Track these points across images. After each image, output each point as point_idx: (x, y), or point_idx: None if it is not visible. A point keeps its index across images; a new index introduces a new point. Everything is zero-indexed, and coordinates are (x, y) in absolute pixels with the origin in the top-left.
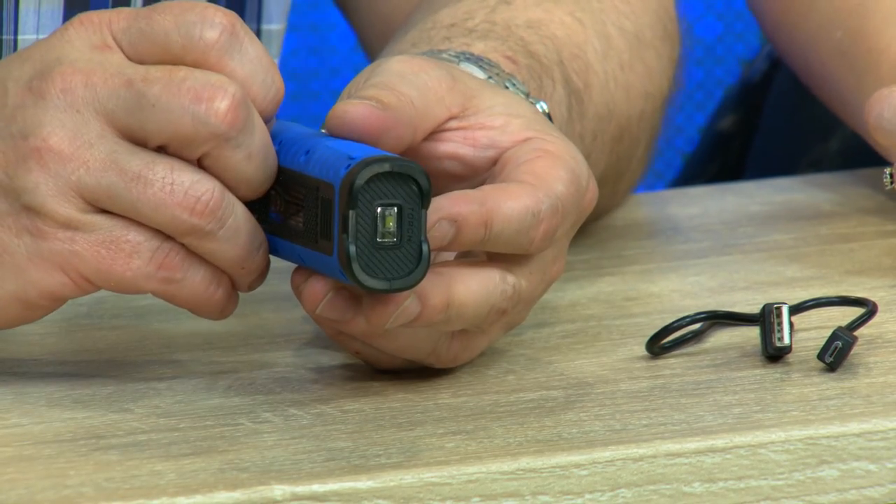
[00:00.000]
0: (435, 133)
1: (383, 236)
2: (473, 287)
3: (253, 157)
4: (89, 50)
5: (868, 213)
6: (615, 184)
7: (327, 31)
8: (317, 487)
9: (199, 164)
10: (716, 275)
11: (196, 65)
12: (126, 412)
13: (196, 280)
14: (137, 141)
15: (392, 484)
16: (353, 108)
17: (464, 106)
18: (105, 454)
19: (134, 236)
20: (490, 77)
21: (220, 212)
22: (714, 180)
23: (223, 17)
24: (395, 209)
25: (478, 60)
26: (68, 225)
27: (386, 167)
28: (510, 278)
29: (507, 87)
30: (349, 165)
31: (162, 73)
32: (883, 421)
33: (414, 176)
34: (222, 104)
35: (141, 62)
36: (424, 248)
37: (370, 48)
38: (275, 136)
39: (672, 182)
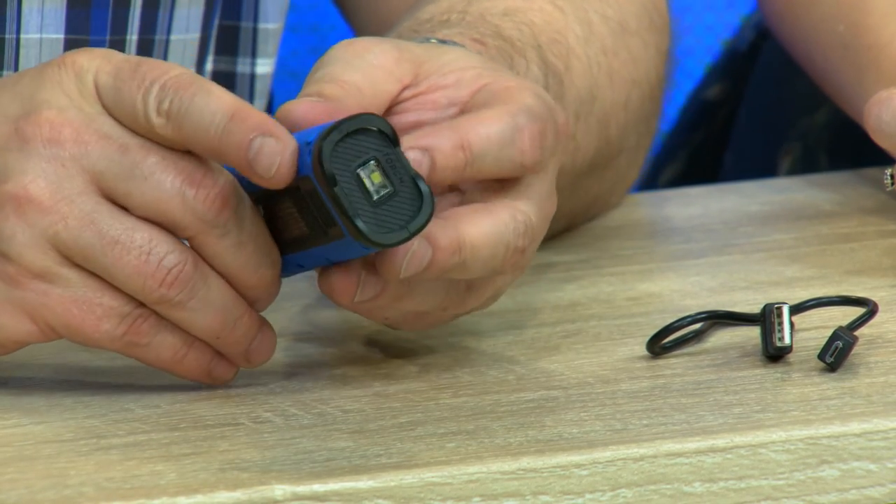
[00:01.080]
0: (393, 107)
1: (377, 192)
2: (485, 228)
3: (243, 245)
4: (78, 97)
5: (869, 213)
6: (604, 171)
7: (327, 31)
8: (317, 487)
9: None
10: (716, 275)
11: (160, 138)
12: (127, 412)
13: (164, 345)
14: (119, 204)
15: (392, 484)
16: (296, 106)
17: (415, 73)
18: (106, 454)
19: (107, 301)
20: None
21: (191, 283)
22: (698, 150)
23: (180, 84)
24: (373, 162)
25: (443, 43)
26: (42, 277)
27: (342, 131)
28: (519, 214)
29: None
30: (310, 151)
31: (159, 148)
32: (884, 421)
33: (370, 125)
34: (213, 191)
35: (118, 122)
36: (419, 180)
37: None
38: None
39: (656, 150)
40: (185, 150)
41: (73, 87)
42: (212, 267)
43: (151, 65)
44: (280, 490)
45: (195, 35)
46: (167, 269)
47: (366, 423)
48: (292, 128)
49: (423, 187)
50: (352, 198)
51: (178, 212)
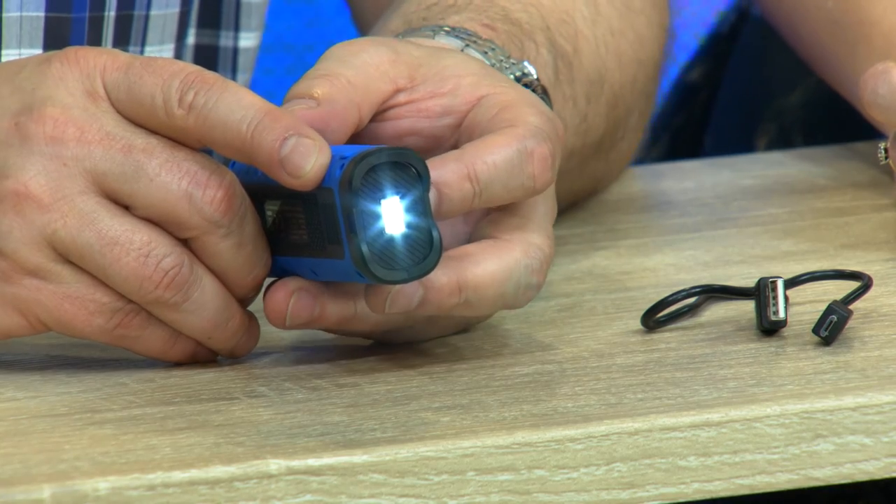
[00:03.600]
0: (386, 111)
1: (391, 227)
2: (492, 267)
3: (243, 246)
4: (82, 96)
5: (862, 188)
6: (610, 152)
7: (323, 3)
8: (312, 461)
9: (186, 244)
10: (710, 249)
11: (177, 131)
12: (121, 386)
13: (154, 337)
14: (121, 204)
15: (387, 458)
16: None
17: (410, 77)
18: (100, 428)
19: (100, 297)
20: (468, 45)
21: (186, 286)
22: (678, 133)
23: (204, 79)
24: (398, 198)
25: (453, 31)
26: (36, 273)
27: (381, 158)
28: (533, 250)
29: (486, 53)
30: (343, 165)
31: (163, 147)
32: (878, 395)
33: (411, 162)
34: (219, 192)
35: (127, 118)
36: (434, 230)
37: (362, 24)
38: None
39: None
40: (190, 151)
41: (78, 85)
42: (209, 267)
43: (165, 61)
44: (275, 464)
45: (175, 10)
46: (164, 272)
47: (360, 398)
48: None
49: (436, 236)
50: (367, 223)
51: (185, 213)
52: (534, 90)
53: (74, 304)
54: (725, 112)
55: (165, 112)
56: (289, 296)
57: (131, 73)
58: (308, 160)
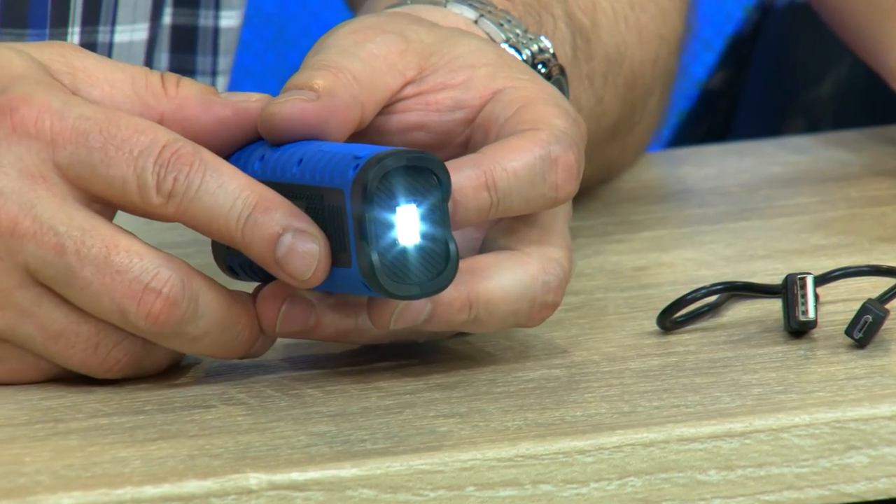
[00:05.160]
0: (393, 104)
1: (405, 238)
2: (506, 282)
3: (199, 339)
4: (18, 178)
5: None
6: (626, 136)
7: None
8: (296, 476)
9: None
10: (733, 242)
11: (154, 216)
12: (87, 393)
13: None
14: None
15: (378, 472)
16: (282, 108)
17: (420, 67)
18: (64, 439)
19: (45, 366)
20: (482, 15)
21: (141, 366)
22: (700, 144)
23: (181, 157)
24: (415, 206)
25: (467, 0)
26: None
27: (400, 162)
28: (552, 266)
29: (501, 25)
30: (357, 165)
31: (98, 251)
32: None
33: (431, 168)
34: (156, 305)
35: (85, 192)
36: (451, 244)
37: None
38: (255, 152)
39: (662, 145)
40: (128, 251)
41: (17, 163)
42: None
43: (127, 124)
44: (255, 479)
45: None
46: (115, 360)
47: (349, 405)
48: (278, 132)
49: (452, 249)
50: (379, 230)
51: (120, 324)
52: (550, 69)
53: (15, 375)
54: (748, 118)
55: (141, 199)
56: (280, 301)
57: (93, 151)
58: (310, 263)
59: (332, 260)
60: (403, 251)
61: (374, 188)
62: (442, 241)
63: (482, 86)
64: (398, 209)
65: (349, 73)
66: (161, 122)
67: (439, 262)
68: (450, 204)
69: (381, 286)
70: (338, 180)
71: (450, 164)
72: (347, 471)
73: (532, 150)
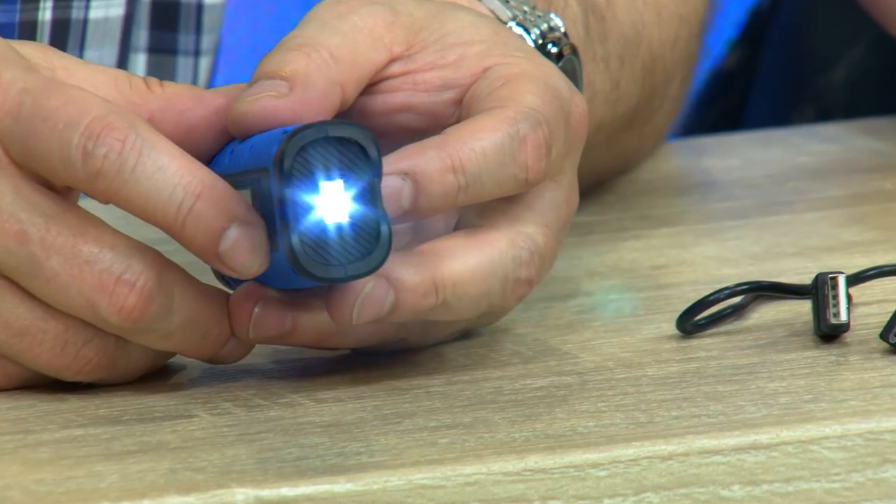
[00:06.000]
0: (378, 83)
1: (330, 217)
2: (471, 261)
3: (170, 335)
4: None
5: None
6: (644, 124)
7: None
8: (286, 491)
9: None
10: (760, 239)
11: (87, 192)
12: (59, 402)
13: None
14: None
15: (375, 487)
16: (252, 107)
17: (409, 43)
18: (35, 451)
19: (11, 369)
20: None
21: (112, 368)
22: (714, 129)
23: (112, 131)
24: (341, 181)
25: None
26: None
27: (320, 133)
28: (521, 240)
29: (507, 1)
30: (280, 140)
31: (65, 239)
32: None
33: (357, 139)
34: (129, 299)
35: (33, 176)
36: (384, 224)
37: None
38: (229, 146)
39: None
40: (98, 240)
41: None
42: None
43: (58, 97)
44: (241, 494)
45: None
46: (86, 360)
47: (343, 415)
48: (249, 131)
49: (384, 230)
50: (299, 207)
51: (90, 319)
52: (561, 48)
53: None
54: (762, 102)
55: (67, 176)
56: (252, 304)
57: (23, 119)
58: (253, 260)
59: (272, 245)
60: (325, 231)
61: (292, 163)
62: (372, 220)
63: (473, 63)
64: (321, 185)
65: (326, 51)
66: (151, 120)
67: (369, 243)
68: (412, 188)
69: (302, 268)
70: (264, 159)
71: (413, 146)
72: (342, 486)
73: (499, 127)
